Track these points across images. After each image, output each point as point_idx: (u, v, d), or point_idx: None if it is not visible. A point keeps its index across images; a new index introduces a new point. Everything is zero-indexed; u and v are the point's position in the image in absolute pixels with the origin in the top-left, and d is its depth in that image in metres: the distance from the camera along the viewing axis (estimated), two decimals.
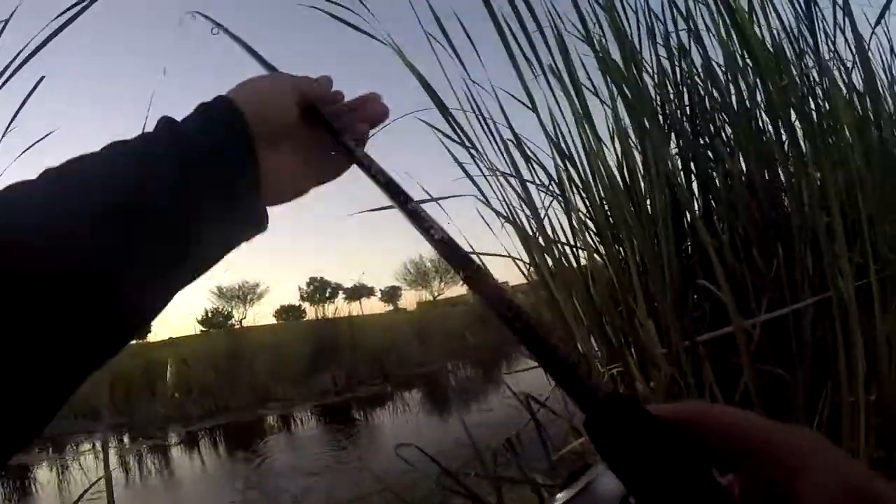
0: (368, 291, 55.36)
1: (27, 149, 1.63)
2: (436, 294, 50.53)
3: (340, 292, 54.97)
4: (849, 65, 1.97)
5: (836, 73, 1.88)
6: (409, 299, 55.25)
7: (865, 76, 1.78)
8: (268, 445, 8.56)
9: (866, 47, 1.78)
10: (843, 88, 1.89)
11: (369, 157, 0.60)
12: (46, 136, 1.66)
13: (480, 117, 1.98)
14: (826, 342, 1.47)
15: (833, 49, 1.94)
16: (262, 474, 6.89)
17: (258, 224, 0.55)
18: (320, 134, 0.62)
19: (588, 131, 1.81)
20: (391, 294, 57.58)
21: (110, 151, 0.48)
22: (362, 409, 10.88)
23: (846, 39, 1.94)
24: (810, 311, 1.49)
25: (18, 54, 1.43)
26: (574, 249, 2.00)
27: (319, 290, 55.45)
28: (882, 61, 2.34)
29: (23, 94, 1.57)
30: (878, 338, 1.33)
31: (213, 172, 0.50)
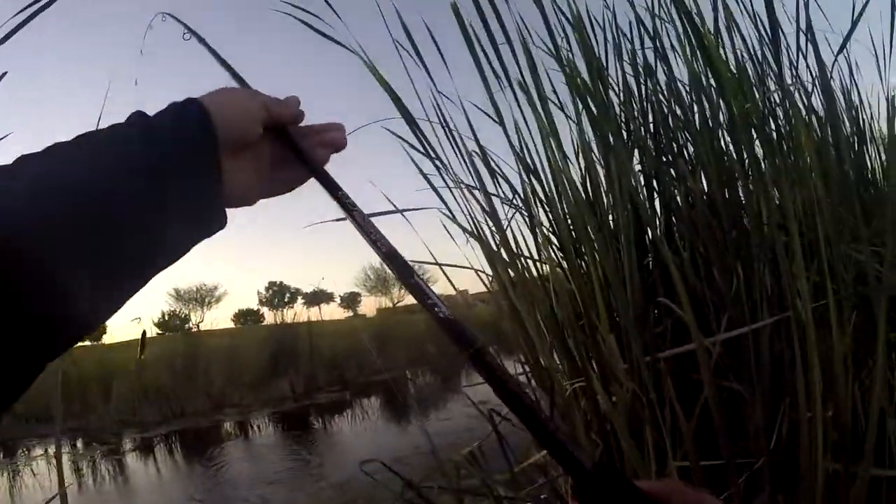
0: (328, 297, 55.10)
1: None
2: (395, 301, 50.45)
3: (300, 297, 54.68)
4: (809, 87, 2.02)
5: (796, 96, 1.92)
6: (369, 305, 55.16)
7: (827, 103, 1.83)
8: (224, 452, 8.46)
9: (829, 75, 1.82)
10: (803, 110, 1.93)
11: (331, 177, 0.65)
12: (2, 138, 1.62)
13: (446, 128, 1.98)
14: (784, 359, 1.50)
15: (795, 73, 1.98)
16: (218, 482, 6.81)
17: (218, 223, 0.58)
18: (282, 150, 0.67)
19: (553, 146, 1.82)
20: (350, 300, 57.34)
21: (84, 142, 0.50)
22: (321, 416, 10.83)
23: (807, 64, 1.99)
24: (769, 330, 1.52)
25: None
26: (537, 263, 2.02)
27: (278, 294, 55.12)
28: (842, 84, 2.41)
29: None
30: (834, 357, 1.36)
31: (181, 171, 0.52)
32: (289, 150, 0.67)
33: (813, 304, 1.37)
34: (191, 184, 0.53)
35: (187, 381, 12.64)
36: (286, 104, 0.66)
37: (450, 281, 2.29)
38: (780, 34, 1.74)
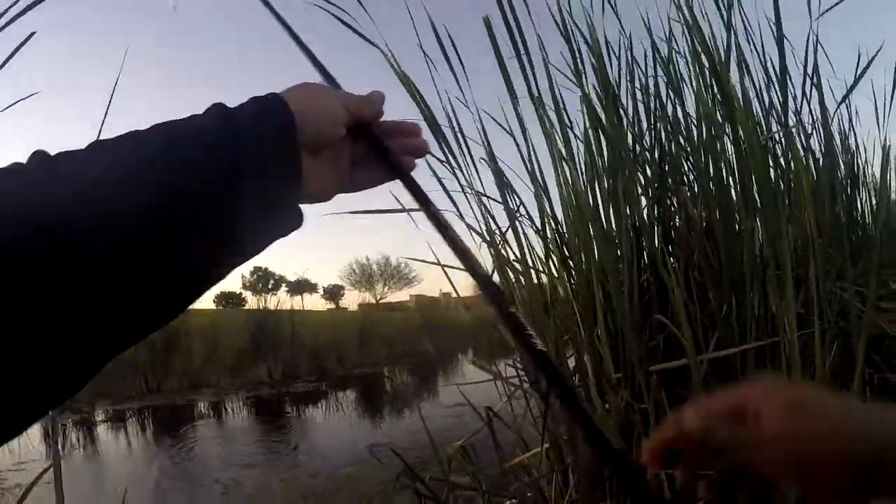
0: (311, 287, 54.67)
1: (9, 105, 1.59)
2: (378, 297, 50.33)
3: (283, 285, 54.19)
4: (809, 128, 2.11)
5: (797, 139, 2.00)
6: (351, 300, 54.75)
7: (827, 150, 1.92)
8: (197, 431, 8.45)
9: (830, 121, 1.91)
10: (801, 151, 2.02)
11: (421, 189, 0.62)
12: (28, 96, 1.64)
13: (462, 137, 2.04)
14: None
15: (798, 117, 2.06)
16: (184, 461, 6.80)
17: (294, 224, 0.57)
18: (363, 149, 0.64)
19: (566, 166, 1.90)
20: (333, 292, 56.93)
21: (162, 138, 0.48)
22: (296, 404, 10.78)
23: (810, 108, 2.07)
24: (754, 352, 1.61)
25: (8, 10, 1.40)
26: (540, 274, 2.09)
27: (262, 280, 54.53)
28: (840, 130, 2.51)
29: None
30: (816, 382, 1.45)
31: (260, 175, 0.51)
32: (372, 151, 0.64)
33: (798, 332, 1.46)
34: (270, 187, 0.52)
35: (166, 358, 12.59)
36: (370, 102, 0.63)
37: (450, 282, 2.37)
38: (788, 80, 1.83)
